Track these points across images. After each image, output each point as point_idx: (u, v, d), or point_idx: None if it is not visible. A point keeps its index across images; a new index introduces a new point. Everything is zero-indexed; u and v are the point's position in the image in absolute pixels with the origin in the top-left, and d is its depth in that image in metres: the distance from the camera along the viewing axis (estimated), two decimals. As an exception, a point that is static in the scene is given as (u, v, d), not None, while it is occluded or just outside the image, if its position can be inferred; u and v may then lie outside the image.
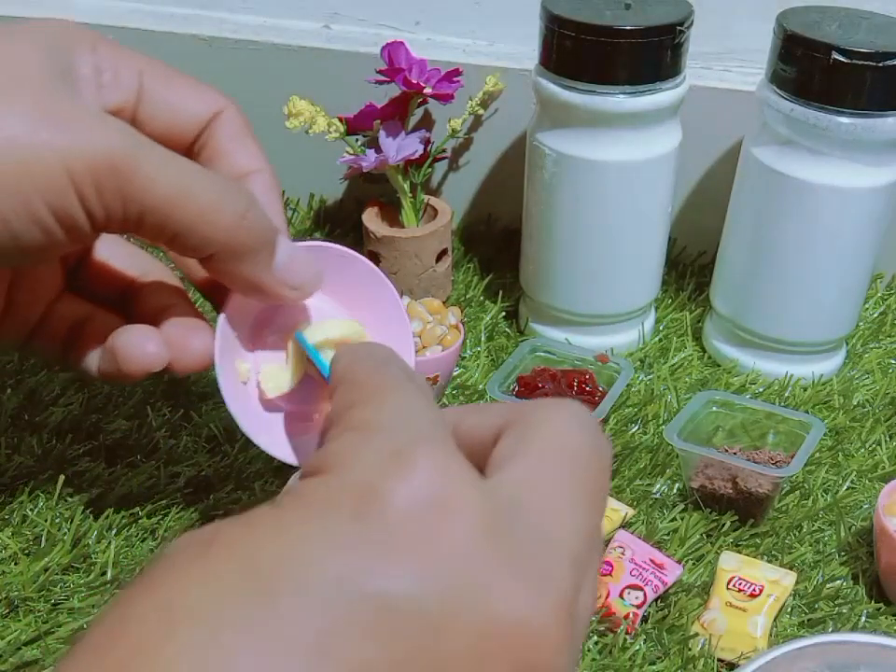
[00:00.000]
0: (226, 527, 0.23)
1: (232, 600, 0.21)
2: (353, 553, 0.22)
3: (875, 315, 0.77)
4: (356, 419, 0.26)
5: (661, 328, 0.75)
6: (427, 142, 0.75)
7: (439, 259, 0.74)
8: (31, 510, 0.54)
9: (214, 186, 0.38)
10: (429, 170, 0.75)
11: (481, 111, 0.77)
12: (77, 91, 0.38)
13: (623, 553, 0.52)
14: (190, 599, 0.21)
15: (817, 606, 0.52)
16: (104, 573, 0.51)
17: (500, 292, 0.77)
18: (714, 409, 0.61)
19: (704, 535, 0.56)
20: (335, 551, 0.22)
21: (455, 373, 0.67)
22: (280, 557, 0.22)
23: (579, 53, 0.61)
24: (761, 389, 0.68)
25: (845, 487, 0.60)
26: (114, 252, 0.46)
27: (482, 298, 0.78)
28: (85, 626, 0.48)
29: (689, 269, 0.80)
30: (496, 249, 0.83)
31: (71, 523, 0.53)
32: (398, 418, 0.26)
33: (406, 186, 0.74)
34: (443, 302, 0.71)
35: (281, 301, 0.43)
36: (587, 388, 0.62)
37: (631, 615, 0.50)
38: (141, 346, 0.41)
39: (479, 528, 0.23)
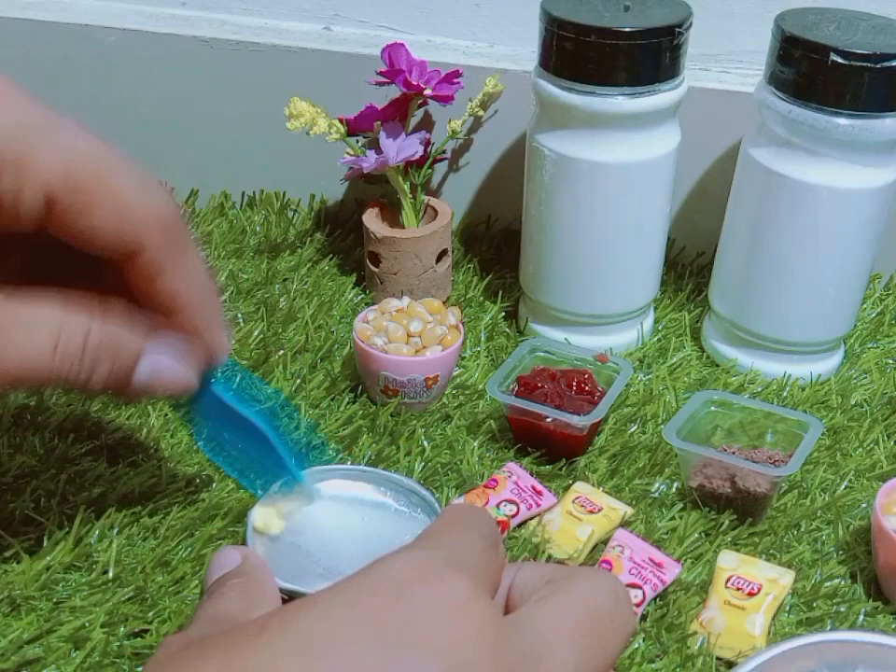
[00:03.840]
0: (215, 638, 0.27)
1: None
2: (378, 626, 0.25)
3: (873, 316, 0.77)
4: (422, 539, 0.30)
5: (660, 328, 0.75)
6: (427, 143, 0.76)
7: (439, 259, 0.75)
8: (33, 509, 0.55)
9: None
10: (429, 171, 0.76)
11: (480, 112, 0.78)
12: None
13: (621, 552, 0.52)
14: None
15: (815, 604, 0.53)
16: (105, 572, 0.51)
17: (500, 292, 0.77)
18: (713, 408, 0.61)
19: (702, 534, 0.56)
20: (365, 626, 0.25)
21: (455, 373, 0.68)
22: (321, 630, 0.25)
23: (578, 55, 0.61)
24: (759, 389, 0.68)
25: (843, 486, 0.60)
26: None
27: (482, 298, 0.78)
28: (87, 625, 0.48)
29: (688, 269, 0.81)
30: (496, 249, 0.83)
31: (73, 522, 0.53)
32: (451, 549, 0.29)
33: (406, 186, 0.74)
34: (443, 302, 0.72)
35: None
36: (586, 388, 0.62)
37: (630, 613, 0.50)
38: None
39: (483, 636, 0.26)
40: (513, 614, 0.28)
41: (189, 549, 0.53)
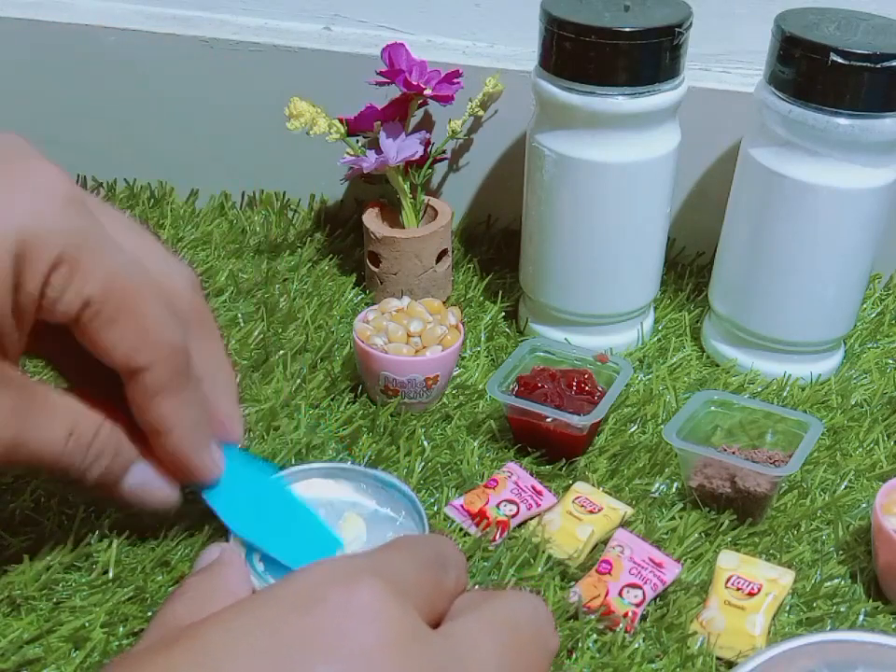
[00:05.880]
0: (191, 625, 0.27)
1: None
2: (282, 634, 0.25)
3: (873, 316, 0.77)
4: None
5: (660, 327, 0.75)
6: (427, 143, 0.76)
7: (439, 259, 0.75)
8: (33, 509, 0.55)
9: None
10: (429, 171, 0.76)
11: (480, 112, 0.78)
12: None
13: (622, 552, 0.52)
14: None
15: (815, 604, 0.53)
16: (105, 572, 0.51)
17: (500, 292, 0.77)
18: (713, 408, 0.61)
19: (702, 534, 0.56)
20: (268, 633, 0.26)
21: (455, 373, 0.68)
22: (224, 641, 0.26)
23: (578, 55, 0.61)
24: (759, 389, 0.68)
25: (843, 486, 0.60)
26: None
27: (482, 298, 0.78)
28: (87, 625, 0.48)
29: (688, 269, 0.81)
30: (496, 249, 0.83)
31: (73, 521, 0.53)
32: (379, 559, 0.29)
33: (406, 186, 0.74)
34: (443, 302, 0.72)
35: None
36: (586, 388, 0.62)
37: (630, 613, 0.50)
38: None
39: (394, 642, 0.26)
40: (437, 629, 0.28)
41: (189, 549, 0.53)
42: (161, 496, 0.46)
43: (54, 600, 0.50)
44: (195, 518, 0.55)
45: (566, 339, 0.70)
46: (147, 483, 0.45)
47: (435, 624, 0.29)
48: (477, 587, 0.53)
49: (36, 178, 0.38)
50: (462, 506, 0.57)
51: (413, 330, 0.64)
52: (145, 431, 0.44)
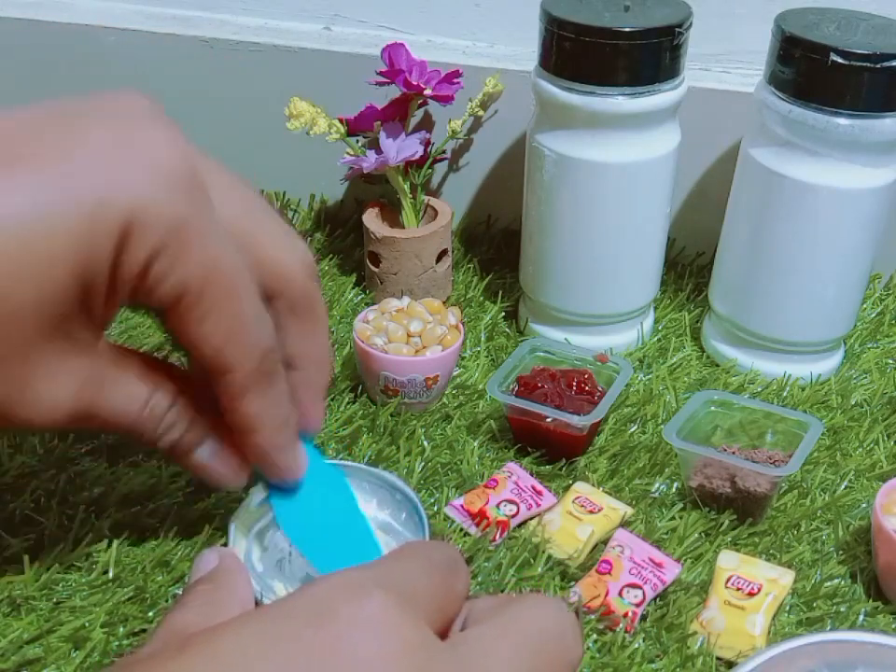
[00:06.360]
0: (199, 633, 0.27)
1: None
2: (291, 646, 0.25)
3: (873, 316, 0.77)
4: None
5: (660, 327, 0.75)
6: (427, 143, 0.76)
7: (439, 259, 0.75)
8: (33, 509, 0.55)
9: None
10: (429, 171, 0.76)
11: (480, 112, 0.78)
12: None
13: (621, 552, 0.52)
14: None
15: (815, 604, 0.53)
16: (105, 572, 0.51)
17: (500, 292, 0.77)
18: (713, 408, 0.61)
19: (702, 534, 0.56)
20: (282, 647, 0.25)
21: (455, 373, 0.68)
22: (236, 651, 0.26)
23: (578, 55, 0.61)
24: (759, 389, 0.68)
25: (843, 486, 0.60)
26: None
27: (482, 298, 0.78)
28: (87, 625, 0.48)
29: (688, 269, 0.81)
30: (496, 249, 0.83)
31: (73, 522, 0.54)
32: (386, 569, 0.29)
33: (406, 186, 0.74)
34: (443, 302, 0.72)
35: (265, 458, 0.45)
36: (586, 388, 0.62)
37: (630, 613, 0.50)
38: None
39: (408, 655, 0.26)
40: (452, 637, 0.28)
41: (189, 549, 0.53)
42: (225, 477, 0.46)
43: (54, 600, 0.50)
44: (195, 518, 0.55)
45: (566, 339, 0.70)
46: (214, 462, 0.45)
47: (448, 629, 0.29)
48: (479, 588, 0.53)
49: (154, 148, 0.37)
50: (462, 506, 0.57)
51: (413, 330, 0.64)
52: (231, 425, 0.43)
